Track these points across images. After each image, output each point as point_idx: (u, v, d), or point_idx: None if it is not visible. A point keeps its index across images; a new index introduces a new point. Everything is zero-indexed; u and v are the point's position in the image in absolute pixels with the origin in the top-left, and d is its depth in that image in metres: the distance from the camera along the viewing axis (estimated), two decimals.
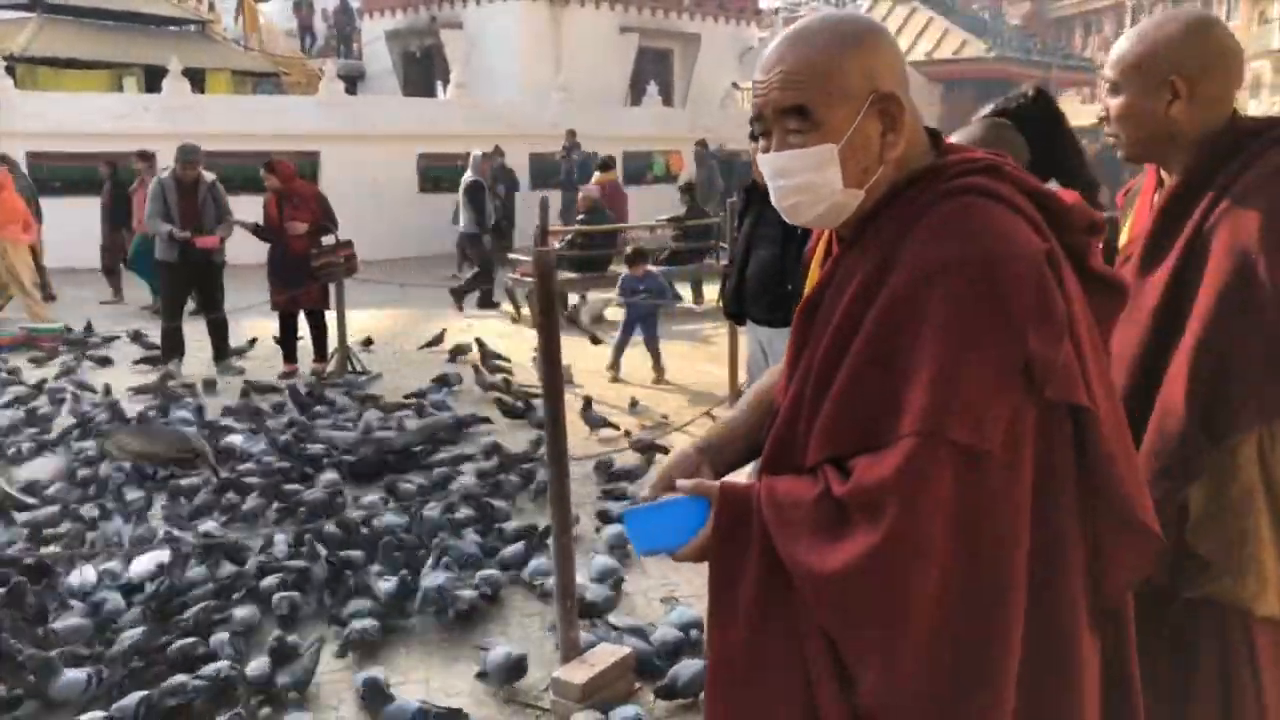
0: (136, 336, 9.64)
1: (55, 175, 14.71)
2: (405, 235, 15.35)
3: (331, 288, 8.40)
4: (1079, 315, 1.46)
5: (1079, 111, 33.03)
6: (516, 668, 3.50)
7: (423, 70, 22.12)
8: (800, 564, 1.40)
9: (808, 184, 1.48)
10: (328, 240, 8.35)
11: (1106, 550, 1.51)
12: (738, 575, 1.49)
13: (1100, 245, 1.58)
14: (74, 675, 3.25)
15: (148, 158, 11.72)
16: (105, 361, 8.98)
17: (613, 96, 21.11)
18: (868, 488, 1.35)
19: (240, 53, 20.38)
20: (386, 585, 3.99)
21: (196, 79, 17.24)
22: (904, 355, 1.37)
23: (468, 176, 12.61)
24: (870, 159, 1.47)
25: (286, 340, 8.60)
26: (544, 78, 19.33)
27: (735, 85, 23.05)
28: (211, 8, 22.63)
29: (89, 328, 10.16)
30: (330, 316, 8.53)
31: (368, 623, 3.74)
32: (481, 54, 20.27)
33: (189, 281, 8.54)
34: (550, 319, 3.22)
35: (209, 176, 8.60)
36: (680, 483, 1.56)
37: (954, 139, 2.68)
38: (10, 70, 15.31)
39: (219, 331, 8.74)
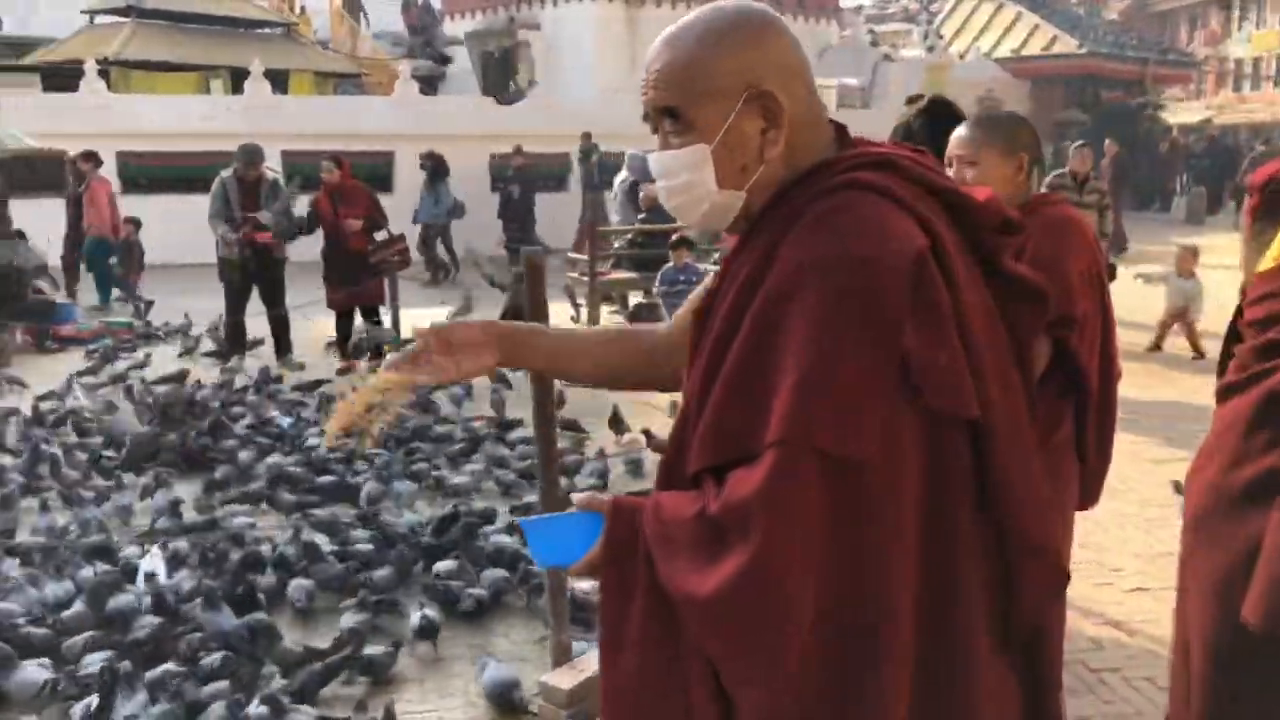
0: (215, 330, 9.86)
1: (143, 174, 15.29)
2: (475, 234, 15.47)
3: (386, 284, 8.52)
4: (975, 319, 1.36)
5: (1179, 109, 31.85)
6: (507, 692, 3.46)
7: (501, 71, 22.34)
8: (677, 586, 1.33)
9: (686, 185, 1.45)
10: (380, 236, 8.48)
11: (1013, 577, 1.40)
12: (627, 597, 1.41)
13: (1010, 243, 1.47)
14: (31, 675, 3.28)
15: (91, 158, 12.00)
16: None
17: None
18: (735, 504, 1.28)
19: (323, 54, 20.84)
20: (417, 617, 3.87)
21: (280, 80, 17.70)
22: (776, 358, 1.30)
23: (624, 175, 12.77)
24: (749, 158, 1.41)
25: (343, 338, 8.76)
26: (618, 78, 19.34)
27: None
28: (302, 11, 23.23)
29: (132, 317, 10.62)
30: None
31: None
32: (558, 55, 20.39)
33: (251, 278, 8.73)
34: (539, 319, 3.18)
35: (270, 176, 8.78)
36: (575, 497, 1.51)
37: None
38: (104, 74, 15.90)
39: (280, 327, 8.94)
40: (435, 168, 14.36)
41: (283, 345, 8.93)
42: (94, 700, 3.16)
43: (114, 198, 11.97)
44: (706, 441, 1.37)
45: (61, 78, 15.91)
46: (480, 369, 1.65)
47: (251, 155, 8.56)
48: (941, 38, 26.29)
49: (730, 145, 1.40)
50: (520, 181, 15.40)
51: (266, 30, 19.94)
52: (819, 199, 1.37)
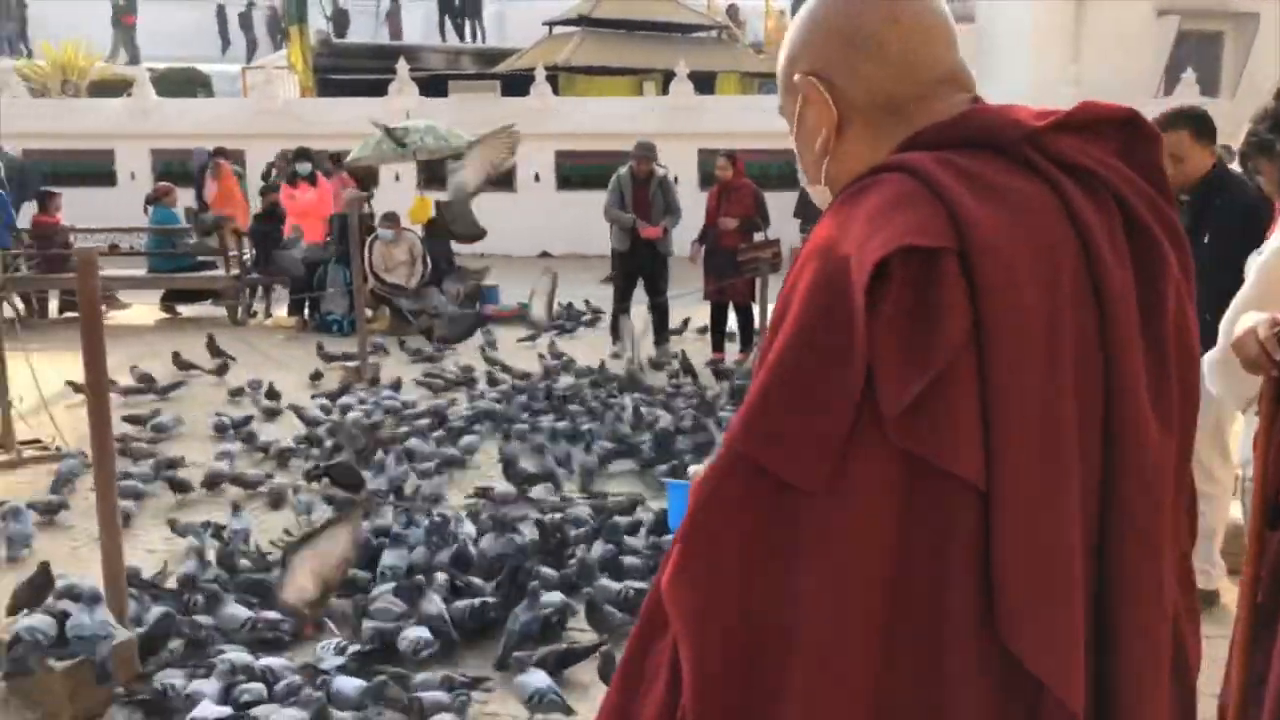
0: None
1: (575, 173, 16.66)
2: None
3: (757, 283, 8.56)
4: (1031, 348, 1.07)
5: None
6: None
7: None
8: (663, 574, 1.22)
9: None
10: (757, 237, 8.53)
11: (1016, 701, 1.09)
12: None
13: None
14: (236, 611, 3.69)
15: (336, 160, 12.69)
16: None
17: (1137, 88, 18.99)
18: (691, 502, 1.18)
19: (751, 56, 21.41)
20: None
21: (709, 81, 18.44)
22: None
23: None
24: (817, 152, 1.29)
25: (715, 329, 8.95)
26: (1055, 70, 17.95)
27: None
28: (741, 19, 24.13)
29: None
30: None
31: None
32: (991, 48, 19.34)
33: (638, 269, 9.16)
34: None
35: (660, 172, 9.14)
36: (692, 469, 1.48)
37: None
38: (552, 79, 17.51)
39: (660, 316, 9.30)
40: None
41: (661, 334, 9.30)
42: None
43: (339, 195, 12.22)
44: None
45: (518, 84, 17.73)
46: None
47: (645, 151, 8.96)
48: None
49: (804, 139, 1.31)
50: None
51: (700, 34, 20.86)
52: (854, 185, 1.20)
